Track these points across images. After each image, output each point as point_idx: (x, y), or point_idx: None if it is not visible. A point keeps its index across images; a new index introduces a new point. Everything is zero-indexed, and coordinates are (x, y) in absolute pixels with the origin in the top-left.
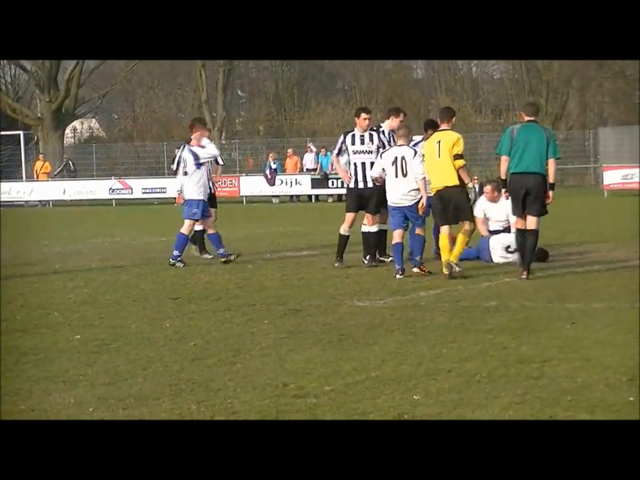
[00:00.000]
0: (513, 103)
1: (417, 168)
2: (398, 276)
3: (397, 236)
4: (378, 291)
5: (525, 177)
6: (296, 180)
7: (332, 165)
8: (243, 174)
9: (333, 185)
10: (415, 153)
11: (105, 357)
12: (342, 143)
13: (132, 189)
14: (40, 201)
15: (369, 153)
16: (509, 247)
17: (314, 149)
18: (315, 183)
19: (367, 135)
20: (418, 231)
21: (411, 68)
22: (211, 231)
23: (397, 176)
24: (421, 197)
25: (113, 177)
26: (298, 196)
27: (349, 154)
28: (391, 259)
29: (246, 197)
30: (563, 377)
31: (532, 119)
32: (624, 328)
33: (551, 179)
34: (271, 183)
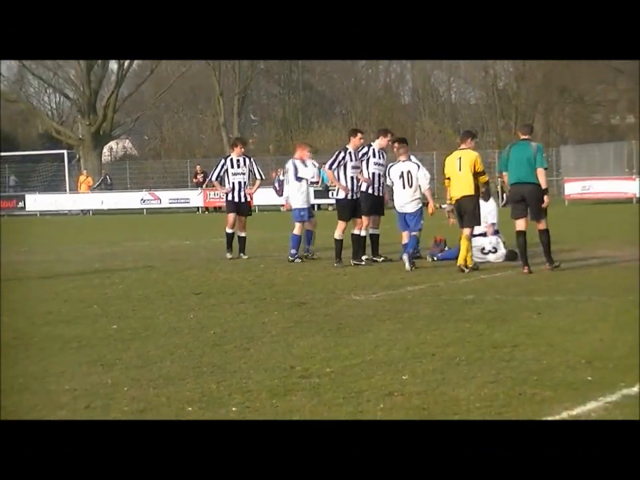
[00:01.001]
0: (486, 125)
1: (422, 180)
2: (409, 266)
3: (405, 237)
4: (371, 286)
5: (520, 186)
6: None
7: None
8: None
9: (332, 195)
10: (418, 167)
11: (137, 344)
12: (342, 159)
13: (160, 199)
14: (81, 210)
15: (358, 169)
16: (483, 248)
17: (316, 165)
18: (317, 194)
19: (358, 153)
20: (414, 233)
21: (399, 95)
22: (308, 228)
23: (404, 187)
24: (421, 205)
25: (144, 190)
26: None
27: (346, 169)
28: (382, 259)
29: (258, 206)
30: (531, 359)
31: (526, 137)
32: (582, 318)
33: (542, 185)
34: (280, 194)
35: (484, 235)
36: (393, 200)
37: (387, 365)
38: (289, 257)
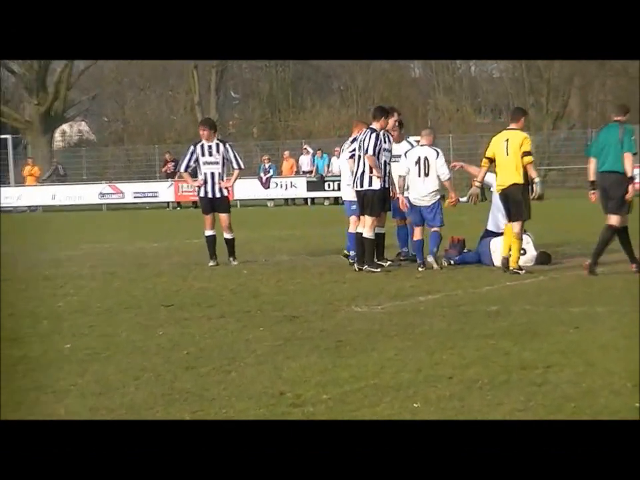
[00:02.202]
0: (512, 102)
1: (441, 168)
2: (420, 269)
3: (417, 233)
4: (376, 296)
5: (605, 175)
6: (291, 183)
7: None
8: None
9: (329, 187)
10: (438, 153)
11: (96, 366)
12: (380, 142)
13: (123, 193)
14: (29, 207)
15: (390, 153)
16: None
17: (310, 151)
18: (311, 186)
19: (386, 134)
20: (435, 228)
21: (408, 67)
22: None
23: (419, 175)
24: (439, 197)
25: (103, 181)
26: (293, 199)
27: (379, 153)
28: (389, 263)
29: (240, 200)
30: (567, 382)
31: (619, 118)
32: (628, 332)
33: (627, 173)
34: (266, 186)
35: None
36: (406, 190)
37: (394, 390)
38: (349, 260)
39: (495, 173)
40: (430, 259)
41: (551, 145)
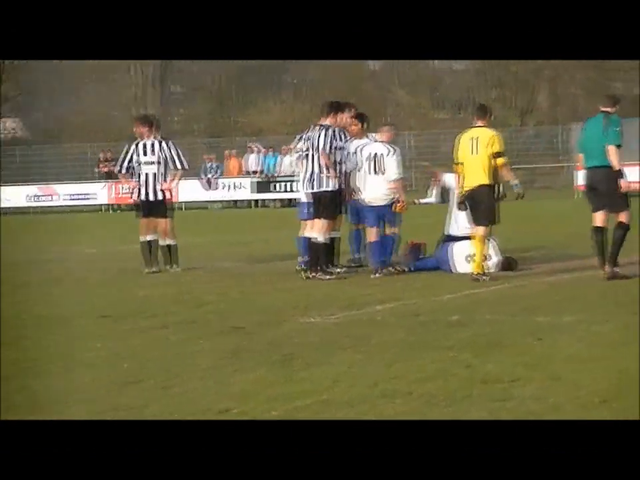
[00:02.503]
0: (475, 97)
1: (391, 168)
2: (377, 274)
3: (372, 234)
4: (328, 305)
5: (593, 171)
6: (238, 184)
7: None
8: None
9: (278, 188)
10: (390, 151)
11: (27, 382)
12: (334, 139)
13: (58, 195)
14: None
15: (345, 150)
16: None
17: (260, 149)
18: (259, 187)
19: (338, 130)
20: (392, 229)
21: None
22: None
23: (370, 173)
24: (396, 197)
25: (32, 183)
26: (239, 201)
27: (334, 152)
28: (342, 269)
29: (184, 202)
30: (531, 397)
31: (607, 109)
32: (597, 343)
33: (614, 167)
34: (210, 187)
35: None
36: (359, 191)
37: (348, 405)
38: (299, 266)
39: (457, 172)
40: (390, 268)
41: (518, 142)
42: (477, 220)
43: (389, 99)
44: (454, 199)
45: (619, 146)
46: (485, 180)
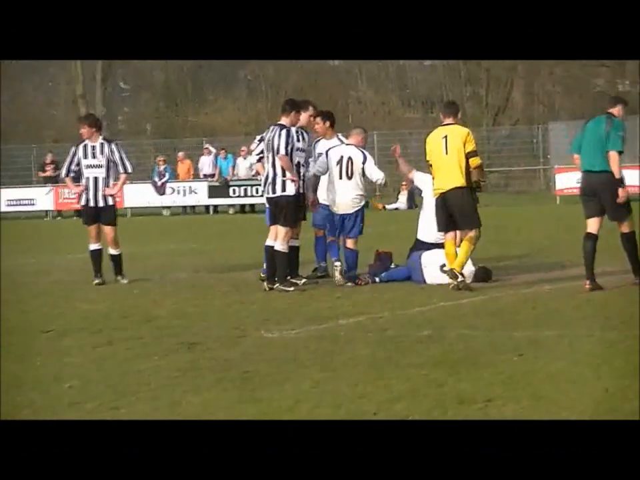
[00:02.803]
0: (447, 94)
1: (374, 172)
2: (347, 283)
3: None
4: (290, 318)
5: (591, 176)
6: (190, 188)
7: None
8: (128, 181)
9: (234, 193)
10: (365, 157)
11: None
12: (292, 140)
13: None
14: None
15: (304, 152)
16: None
17: (213, 150)
18: (214, 192)
19: (300, 131)
20: (351, 243)
21: None
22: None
23: (340, 177)
24: (363, 204)
25: None
26: (193, 207)
27: (292, 153)
28: (304, 280)
29: (131, 208)
30: (510, 418)
31: (611, 110)
32: (580, 360)
33: (615, 174)
34: (161, 191)
35: (441, 245)
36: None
37: None
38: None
39: (429, 173)
40: (350, 284)
41: (491, 143)
42: (464, 224)
43: (351, 97)
44: (427, 201)
45: (620, 152)
46: (460, 181)
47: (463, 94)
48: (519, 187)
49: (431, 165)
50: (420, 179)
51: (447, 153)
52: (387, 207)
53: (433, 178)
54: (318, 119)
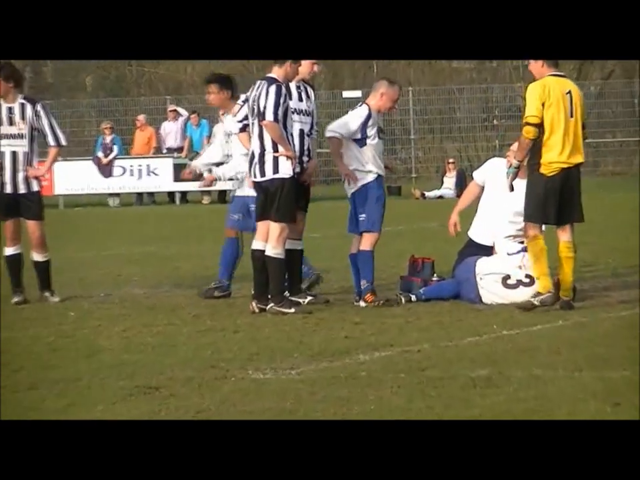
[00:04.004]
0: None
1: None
2: (366, 303)
3: (355, 244)
4: (289, 353)
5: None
6: (149, 167)
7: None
8: (60, 158)
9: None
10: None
11: None
12: (285, 101)
13: None
14: None
15: (308, 115)
16: (507, 277)
17: (182, 114)
18: (181, 172)
19: (302, 86)
20: (367, 238)
21: None
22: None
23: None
24: (375, 178)
25: None
26: (152, 194)
27: (286, 118)
28: (310, 298)
29: (64, 196)
30: None
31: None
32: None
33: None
34: (106, 172)
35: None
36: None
37: None
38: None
39: (526, 140)
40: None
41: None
42: (572, 215)
43: None
44: (491, 191)
45: None
46: (582, 157)
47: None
48: (614, 166)
49: (537, 126)
50: (494, 164)
51: (572, 116)
52: (427, 194)
53: (543, 147)
54: (212, 87)
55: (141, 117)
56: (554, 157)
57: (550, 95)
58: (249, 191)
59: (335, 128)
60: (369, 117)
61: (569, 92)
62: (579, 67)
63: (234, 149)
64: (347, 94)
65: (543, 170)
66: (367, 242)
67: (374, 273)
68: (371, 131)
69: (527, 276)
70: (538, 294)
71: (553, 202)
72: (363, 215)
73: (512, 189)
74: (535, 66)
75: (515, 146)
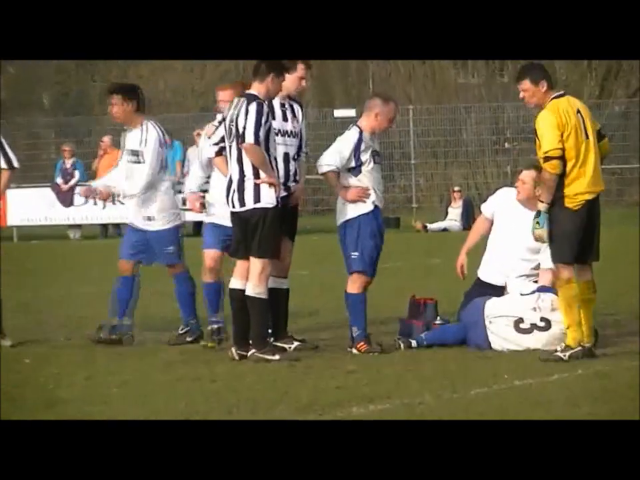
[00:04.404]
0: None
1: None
2: (358, 349)
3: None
4: (273, 406)
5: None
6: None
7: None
8: (13, 184)
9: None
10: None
11: None
12: (267, 120)
13: None
14: None
15: (295, 137)
16: (520, 321)
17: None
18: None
19: (287, 104)
20: (355, 279)
21: None
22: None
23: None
24: (370, 209)
25: None
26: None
27: (268, 140)
28: (296, 344)
29: (18, 227)
30: None
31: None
32: None
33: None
34: (67, 200)
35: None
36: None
37: None
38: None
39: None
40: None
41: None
42: (592, 253)
43: None
44: (502, 225)
45: None
46: (603, 184)
47: None
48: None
49: (559, 158)
50: (504, 195)
51: (587, 137)
52: (430, 226)
53: (566, 178)
54: (114, 97)
55: (106, 139)
56: (579, 188)
57: (568, 123)
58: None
59: (327, 161)
60: (359, 140)
61: (579, 111)
62: (602, 83)
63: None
64: (338, 113)
65: (568, 203)
66: (355, 284)
67: (366, 316)
68: (365, 156)
69: (543, 319)
70: (567, 347)
71: (582, 238)
72: (355, 253)
73: (544, 239)
74: (537, 93)
75: (525, 175)
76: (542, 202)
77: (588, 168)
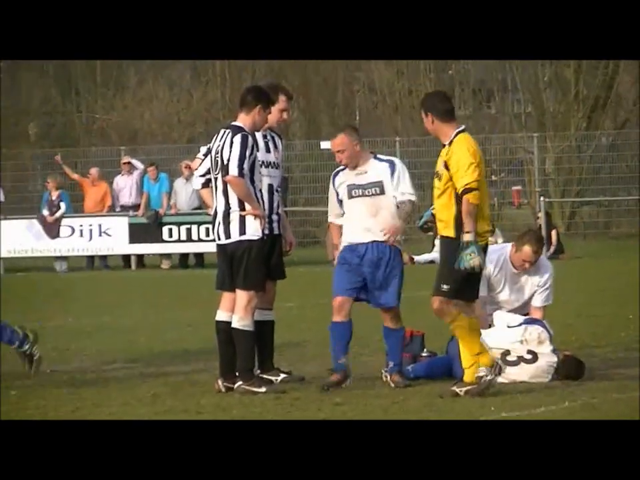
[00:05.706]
0: (513, 78)
1: (403, 188)
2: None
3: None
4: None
5: None
6: (101, 227)
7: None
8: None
9: (170, 236)
10: (393, 168)
11: None
12: (252, 153)
13: None
14: None
15: (276, 168)
16: (507, 353)
17: (138, 167)
18: (138, 233)
19: (269, 136)
20: (389, 312)
21: None
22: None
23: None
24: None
25: None
26: (104, 257)
27: (253, 171)
28: (283, 376)
29: (4, 259)
30: None
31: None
32: None
33: None
34: (53, 232)
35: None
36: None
37: None
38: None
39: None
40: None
41: (584, 156)
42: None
43: (358, 80)
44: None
45: None
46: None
47: (538, 77)
48: (628, 227)
49: (476, 190)
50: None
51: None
52: (417, 258)
53: (481, 209)
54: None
55: (94, 171)
56: (485, 225)
57: (479, 156)
58: None
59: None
60: (334, 177)
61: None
62: (589, 114)
63: None
64: (325, 144)
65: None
66: (395, 318)
67: (347, 346)
68: (341, 192)
69: (529, 352)
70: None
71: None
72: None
73: (482, 266)
74: (440, 128)
75: (529, 256)
76: (468, 232)
77: (486, 206)
